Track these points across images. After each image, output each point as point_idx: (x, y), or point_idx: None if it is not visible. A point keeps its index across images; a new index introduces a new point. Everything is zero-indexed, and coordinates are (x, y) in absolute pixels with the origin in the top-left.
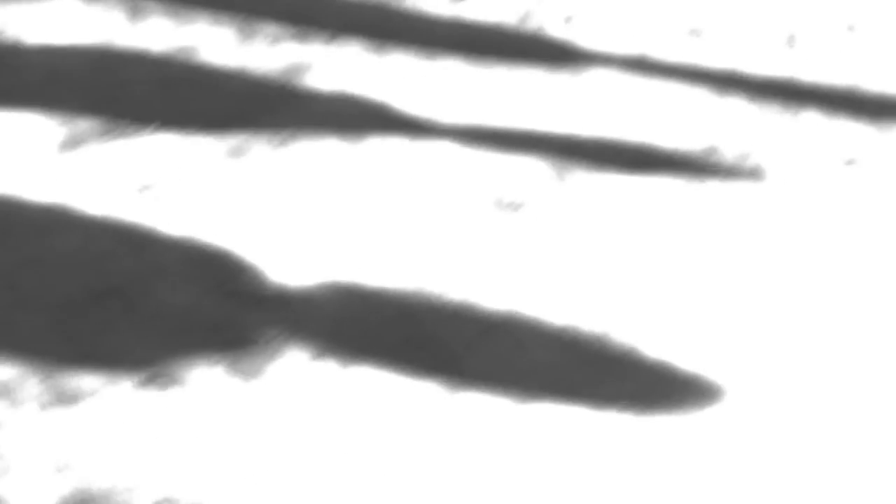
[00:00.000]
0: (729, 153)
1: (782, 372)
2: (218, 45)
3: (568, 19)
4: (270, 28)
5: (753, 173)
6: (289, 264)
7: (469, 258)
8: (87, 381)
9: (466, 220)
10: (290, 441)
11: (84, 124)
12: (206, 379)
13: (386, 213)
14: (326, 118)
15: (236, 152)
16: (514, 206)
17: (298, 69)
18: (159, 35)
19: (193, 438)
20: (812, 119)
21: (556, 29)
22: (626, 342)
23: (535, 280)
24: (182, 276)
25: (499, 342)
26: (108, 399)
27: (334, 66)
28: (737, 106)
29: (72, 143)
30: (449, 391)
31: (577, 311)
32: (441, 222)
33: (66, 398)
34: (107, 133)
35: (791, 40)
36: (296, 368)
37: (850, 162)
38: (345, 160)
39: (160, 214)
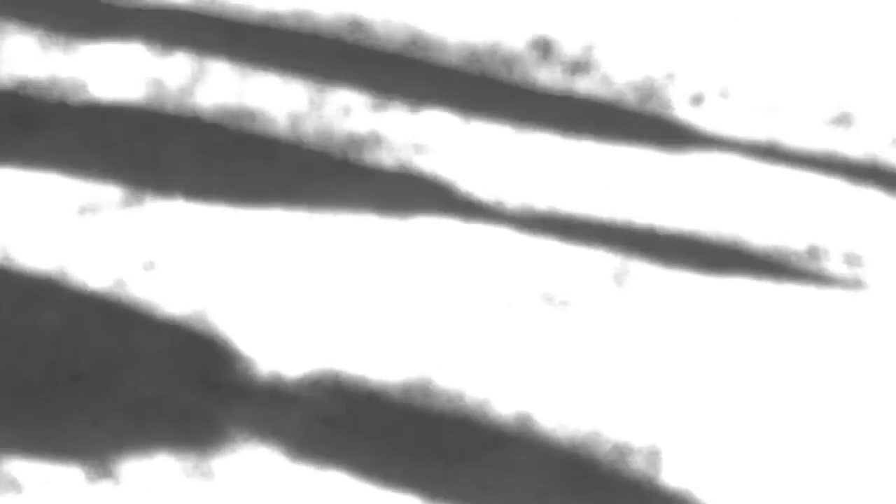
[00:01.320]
0: (837, 256)
1: None
2: (282, 109)
3: (697, 99)
4: (346, 93)
5: (858, 282)
6: (289, 354)
7: (494, 358)
8: (33, 470)
9: (500, 316)
10: None
11: (110, 189)
12: (161, 476)
13: (410, 301)
14: (379, 194)
15: (264, 228)
16: (563, 304)
17: (367, 141)
18: (218, 96)
19: None
20: None
21: (682, 109)
22: (646, 470)
23: (564, 391)
24: (163, 362)
25: (502, 457)
26: (55, 491)
27: (408, 139)
28: (875, 200)
29: (90, 209)
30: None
31: (598, 428)
32: (470, 316)
33: (10, 486)
34: (131, 201)
35: None
36: (263, 470)
37: None
38: (383, 241)
39: (161, 293)
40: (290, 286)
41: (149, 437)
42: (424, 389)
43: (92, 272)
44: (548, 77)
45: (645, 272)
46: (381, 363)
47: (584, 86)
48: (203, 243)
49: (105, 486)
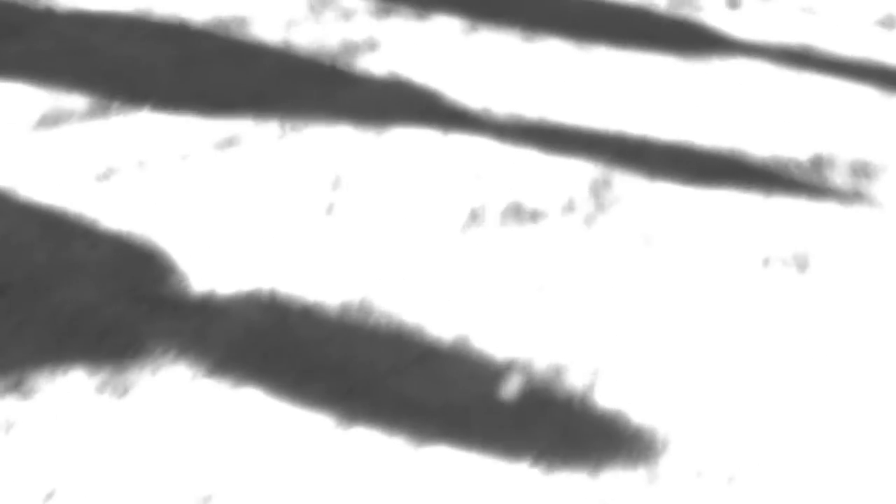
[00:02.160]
0: (845, 168)
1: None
2: (277, 16)
3: (734, 3)
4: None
5: (864, 196)
6: (228, 271)
7: (445, 276)
8: None
9: (462, 230)
10: (149, 468)
11: (76, 99)
12: (72, 390)
13: (368, 218)
14: (360, 104)
15: (230, 140)
16: (533, 217)
17: (362, 48)
18: (213, 2)
19: (46, 454)
20: None
21: (716, 13)
22: (580, 387)
23: (510, 310)
24: (95, 275)
25: (425, 376)
26: None
27: (407, 46)
28: None
29: (51, 121)
30: (342, 427)
31: (538, 345)
32: (430, 233)
33: None
34: (96, 111)
35: None
36: (178, 386)
37: None
38: (353, 153)
39: (109, 206)
40: (244, 203)
41: (67, 349)
42: (362, 308)
43: (42, 184)
44: None
45: (627, 185)
46: (325, 282)
47: None
48: (161, 156)
49: (12, 400)
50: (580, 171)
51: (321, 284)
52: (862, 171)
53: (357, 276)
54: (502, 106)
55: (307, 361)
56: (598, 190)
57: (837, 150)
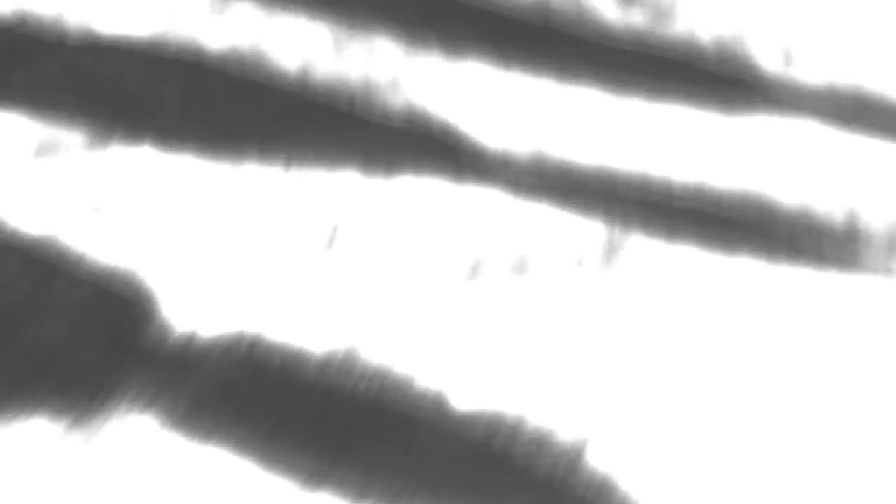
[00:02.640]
0: (882, 240)
1: None
2: (298, 48)
3: (789, 57)
4: (378, 35)
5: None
6: (210, 314)
7: (429, 334)
8: None
9: (459, 287)
10: None
11: (75, 130)
12: (37, 433)
13: (357, 266)
14: (372, 149)
15: (230, 177)
16: (537, 273)
17: (383, 86)
18: (233, 36)
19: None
20: None
21: (767, 66)
22: (567, 452)
23: (498, 366)
24: (73, 316)
25: (402, 439)
26: None
27: (432, 86)
28: None
29: (48, 151)
30: (307, 489)
31: (525, 406)
32: (426, 287)
33: None
34: (95, 143)
35: None
36: (143, 435)
37: None
38: (357, 200)
39: (97, 244)
40: (237, 245)
41: (35, 391)
42: (346, 360)
43: (31, 216)
44: (621, 24)
45: (642, 244)
46: (311, 330)
47: (658, 37)
48: (156, 194)
49: None
50: (595, 226)
51: (307, 333)
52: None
53: (345, 326)
54: (524, 151)
55: (280, 417)
56: (611, 248)
57: (875, 219)
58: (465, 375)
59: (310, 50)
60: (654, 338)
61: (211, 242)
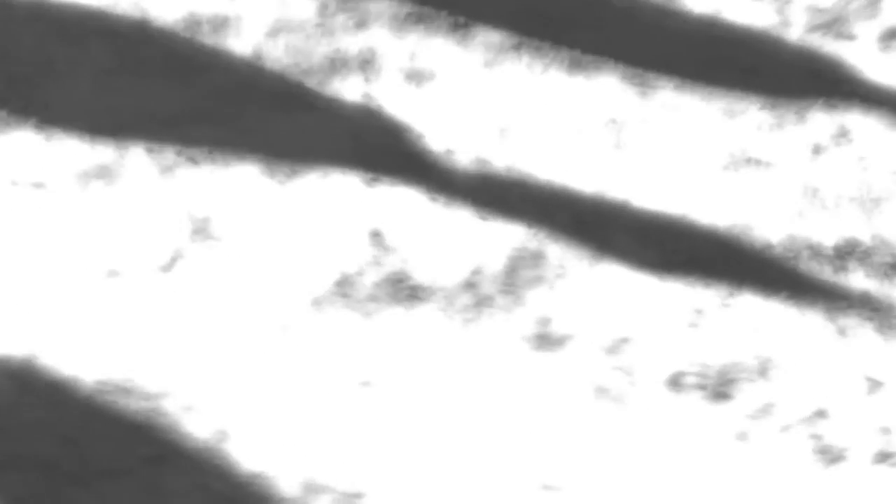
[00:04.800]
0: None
1: None
2: (272, 17)
3: (890, 39)
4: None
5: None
6: None
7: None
8: None
9: (303, 308)
10: None
11: None
12: None
13: (203, 280)
14: (291, 139)
15: (98, 172)
16: (412, 296)
17: (350, 65)
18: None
19: None
20: None
21: (862, 51)
22: None
23: (310, 408)
24: None
25: (151, 480)
26: None
27: (413, 68)
28: None
29: None
30: None
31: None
32: (266, 308)
33: None
34: None
35: None
36: None
37: None
38: (234, 198)
39: None
40: (53, 252)
41: None
42: (118, 391)
43: None
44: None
45: (557, 265)
46: (97, 355)
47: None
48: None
49: None
50: (513, 240)
51: (89, 358)
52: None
53: (129, 351)
54: (473, 152)
55: (21, 448)
56: (519, 267)
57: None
58: (247, 416)
59: (287, 18)
60: (525, 382)
61: (31, 247)
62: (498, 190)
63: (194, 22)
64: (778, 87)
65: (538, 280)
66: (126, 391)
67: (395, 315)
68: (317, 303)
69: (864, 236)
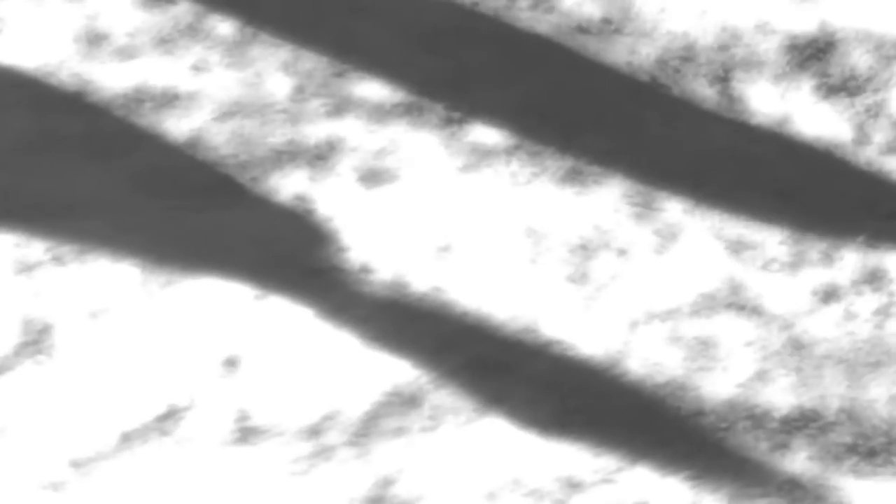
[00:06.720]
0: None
1: None
2: (228, 98)
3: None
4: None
5: None
6: None
7: None
8: None
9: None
10: None
11: None
12: None
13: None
14: (193, 239)
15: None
16: (250, 437)
17: (306, 156)
18: (148, 73)
19: None
20: None
21: None
22: None
23: None
24: None
25: None
26: None
27: (380, 166)
28: None
29: None
30: None
31: None
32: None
33: None
34: None
35: None
36: None
37: None
38: (96, 298)
39: None
40: None
41: None
42: None
43: None
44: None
45: (426, 421)
46: None
47: None
48: None
49: None
50: (392, 380)
51: None
52: None
53: None
54: (395, 272)
55: None
56: (382, 415)
57: None
58: None
59: (252, 100)
60: None
61: None
62: (400, 320)
63: (137, 98)
64: (812, 218)
65: (398, 432)
66: None
67: (221, 457)
68: (126, 438)
69: (830, 408)
